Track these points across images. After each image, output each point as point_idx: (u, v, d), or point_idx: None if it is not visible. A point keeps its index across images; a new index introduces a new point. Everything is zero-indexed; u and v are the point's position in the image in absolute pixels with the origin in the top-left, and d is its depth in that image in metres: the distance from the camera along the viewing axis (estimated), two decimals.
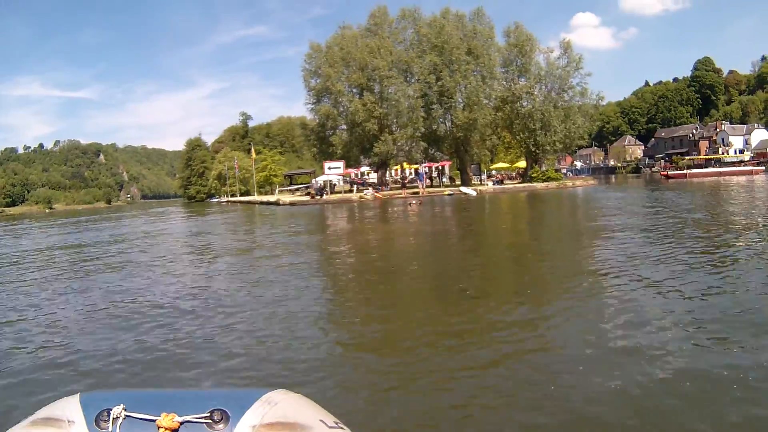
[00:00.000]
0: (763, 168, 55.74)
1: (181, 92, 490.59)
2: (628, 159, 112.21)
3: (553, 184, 45.75)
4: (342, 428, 1.41)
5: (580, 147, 55.10)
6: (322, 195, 44.28)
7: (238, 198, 66.97)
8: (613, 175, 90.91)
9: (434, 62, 47.43)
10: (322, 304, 7.21)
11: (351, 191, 48.05)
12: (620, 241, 10.98)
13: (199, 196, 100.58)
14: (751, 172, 51.29)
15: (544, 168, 51.77)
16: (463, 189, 43.70)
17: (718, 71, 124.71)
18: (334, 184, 50.12)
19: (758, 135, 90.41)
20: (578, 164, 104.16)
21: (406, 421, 3.52)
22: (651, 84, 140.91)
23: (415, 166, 58.74)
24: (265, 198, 53.26)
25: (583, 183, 49.49)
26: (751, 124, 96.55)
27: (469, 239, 14.77)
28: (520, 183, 50.38)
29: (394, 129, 48.98)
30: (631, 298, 6.14)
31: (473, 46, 48.19)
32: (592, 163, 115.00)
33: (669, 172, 55.23)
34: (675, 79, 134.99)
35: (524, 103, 49.55)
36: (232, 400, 1.36)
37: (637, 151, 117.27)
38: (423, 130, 49.45)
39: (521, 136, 49.61)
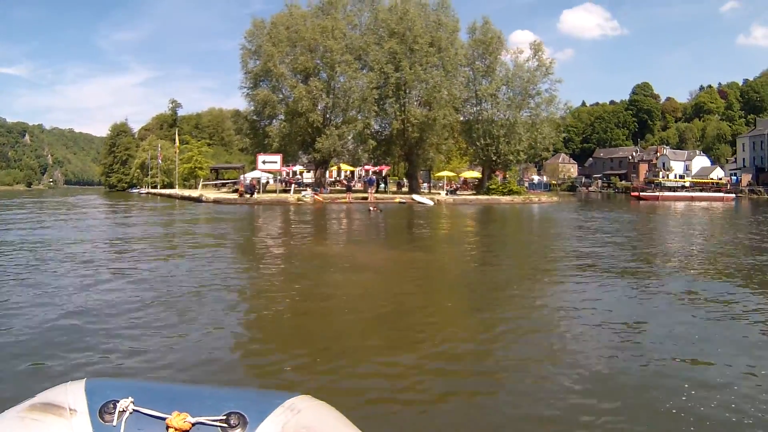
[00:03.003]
0: (733, 196, 53.53)
1: (114, 77, 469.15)
2: (562, 177, 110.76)
3: (518, 199, 40.76)
4: None
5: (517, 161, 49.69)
6: (252, 193, 37.63)
7: (159, 190, 59.43)
8: (546, 192, 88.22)
9: (393, 50, 41.59)
10: None
11: (286, 191, 41.67)
12: None
13: (120, 185, 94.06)
14: (722, 199, 48.55)
15: (501, 179, 46.98)
16: (416, 197, 38.14)
17: (656, 97, 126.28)
18: (266, 182, 43.62)
19: (699, 162, 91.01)
20: (536, 178, 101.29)
21: None
22: (588, 105, 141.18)
23: (352, 168, 53.05)
24: (187, 192, 45.88)
25: (548, 199, 44.73)
26: (692, 150, 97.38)
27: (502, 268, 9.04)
28: (474, 194, 45.21)
29: (340, 123, 42.95)
30: None
31: (437, 38, 42.81)
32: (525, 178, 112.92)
33: (641, 193, 51.41)
34: (612, 102, 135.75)
35: (487, 107, 44.75)
36: (251, 402, 1.23)
37: (571, 169, 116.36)
38: (375, 127, 43.71)
39: (481, 142, 44.58)
